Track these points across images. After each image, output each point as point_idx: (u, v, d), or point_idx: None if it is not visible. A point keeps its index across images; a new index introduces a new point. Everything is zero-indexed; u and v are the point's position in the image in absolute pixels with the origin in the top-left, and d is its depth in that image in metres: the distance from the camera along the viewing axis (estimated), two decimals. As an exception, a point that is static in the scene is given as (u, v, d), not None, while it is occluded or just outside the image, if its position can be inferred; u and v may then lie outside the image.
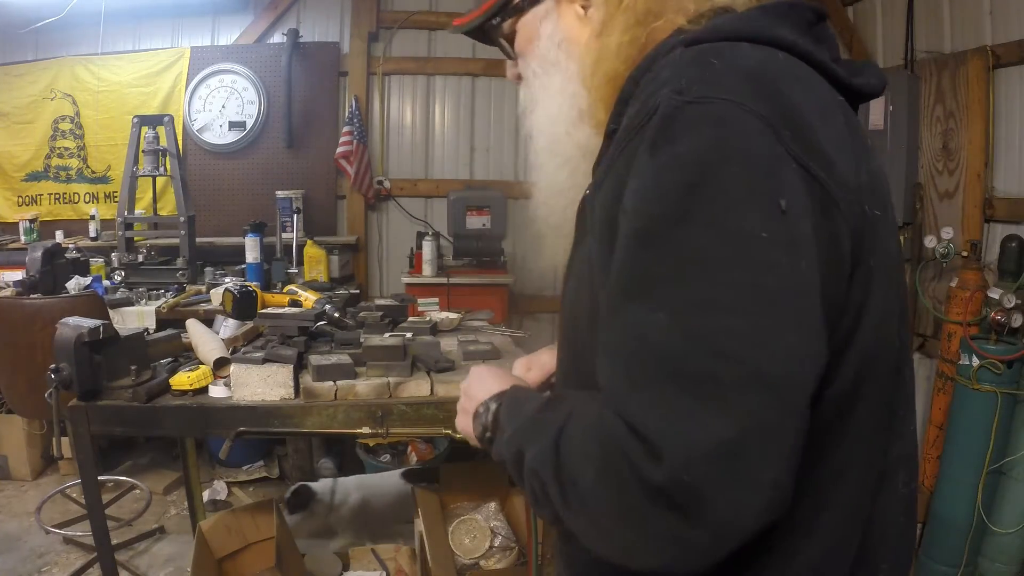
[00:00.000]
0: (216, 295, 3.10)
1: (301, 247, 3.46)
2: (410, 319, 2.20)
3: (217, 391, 1.71)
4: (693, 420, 0.55)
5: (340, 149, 3.71)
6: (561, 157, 0.89)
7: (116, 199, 3.73)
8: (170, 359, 1.88)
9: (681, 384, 0.56)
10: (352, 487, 2.90)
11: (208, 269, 3.57)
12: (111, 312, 2.70)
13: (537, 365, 1.10)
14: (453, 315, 2.32)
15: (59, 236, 3.84)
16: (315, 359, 1.71)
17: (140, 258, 3.48)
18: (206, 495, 3.21)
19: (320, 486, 2.89)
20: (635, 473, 0.55)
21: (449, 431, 1.64)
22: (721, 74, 0.64)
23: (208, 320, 2.47)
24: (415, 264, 3.52)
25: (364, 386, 1.65)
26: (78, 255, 2.85)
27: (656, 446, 0.55)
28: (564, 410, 0.68)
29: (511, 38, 0.90)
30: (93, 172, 4.09)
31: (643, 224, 0.62)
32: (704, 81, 0.63)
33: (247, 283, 2.32)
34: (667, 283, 0.59)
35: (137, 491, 3.29)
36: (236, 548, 2.28)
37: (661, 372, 0.57)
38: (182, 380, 1.72)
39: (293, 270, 3.37)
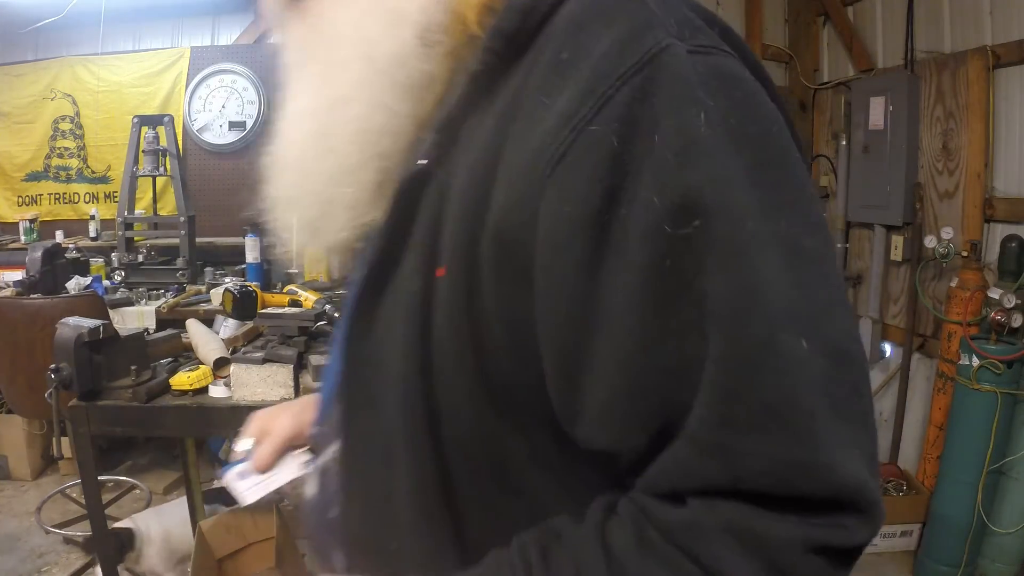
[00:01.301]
0: (216, 295, 3.10)
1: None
2: (410, 319, 2.19)
3: (217, 391, 1.71)
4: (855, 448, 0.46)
5: (340, 149, 3.70)
6: (363, 102, 0.58)
7: (116, 199, 3.72)
8: (170, 359, 1.89)
9: (837, 410, 0.45)
10: (152, 520, 2.62)
11: (208, 269, 3.57)
12: (111, 312, 2.70)
13: (274, 431, 0.82)
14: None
15: (59, 236, 3.84)
16: (315, 359, 1.71)
17: (140, 258, 3.48)
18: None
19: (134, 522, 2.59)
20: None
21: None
22: (692, 13, 0.52)
23: (208, 320, 2.47)
24: (415, 264, 3.51)
25: (364, 386, 1.65)
26: (78, 255, 2.85)
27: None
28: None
29: None
30: (93, 172, 4.09)
31: (734, 226, 0.45)
32: (689, 24, 0.50)
33: (247, 283, 2.32)
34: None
35: (137, 491, 3.29)
36: (236, 548, 2.28)
37: (815, 402, 0.45)
38: (182, 380, 1.72)
39: (293, 270, 3.37)
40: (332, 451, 0.65)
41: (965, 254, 2.79)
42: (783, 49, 4.27)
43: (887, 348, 3.52)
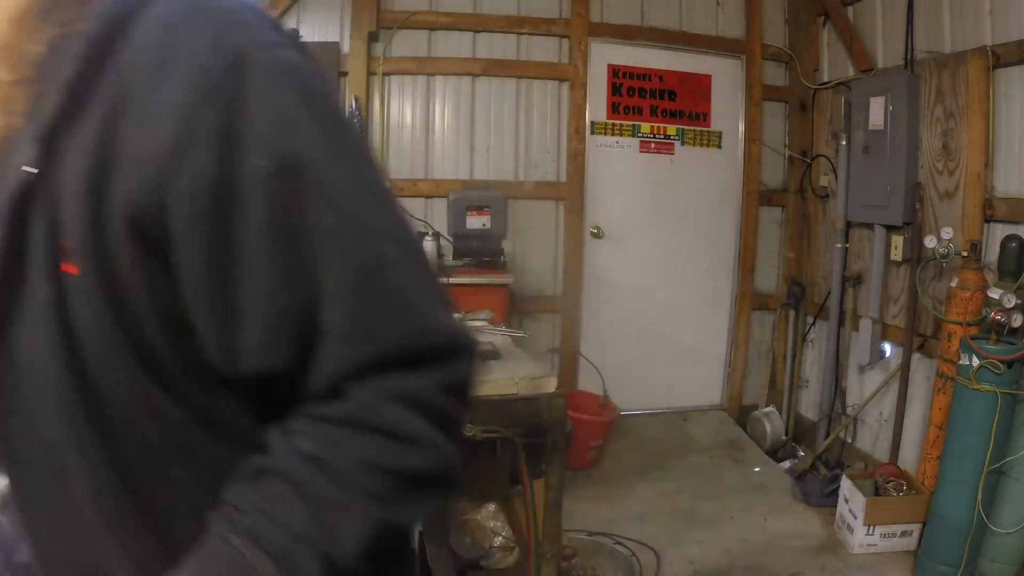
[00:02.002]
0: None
1: (301, 247, 3.47)
2: (410, 319, 2.20)
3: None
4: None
5: (340, 149, 3.71)
6: None
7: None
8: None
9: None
10: None
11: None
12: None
13: None
14: (453, 315, 2.31)
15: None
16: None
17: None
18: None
19: None
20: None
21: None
22: (262, 15, 0.64)
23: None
24: (415, 264, 3.52)
25: (364, 386, 1.65)
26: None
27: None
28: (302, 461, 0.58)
29: None
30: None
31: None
32: (264, 24, 0.63)
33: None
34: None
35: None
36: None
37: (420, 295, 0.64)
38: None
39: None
40: (1, 487, 0.63)
41: (965, 254, 2.79)
42: (783, 49, 4.27)
43: (887, 348, 3.52)
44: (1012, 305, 2.49)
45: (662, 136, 4.22)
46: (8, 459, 0.62)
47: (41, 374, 0.59)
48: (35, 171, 0.56)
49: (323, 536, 0.58)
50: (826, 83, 4.05)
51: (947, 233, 2.89)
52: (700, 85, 4.23)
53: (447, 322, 0.64)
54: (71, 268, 0.57)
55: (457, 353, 0.64)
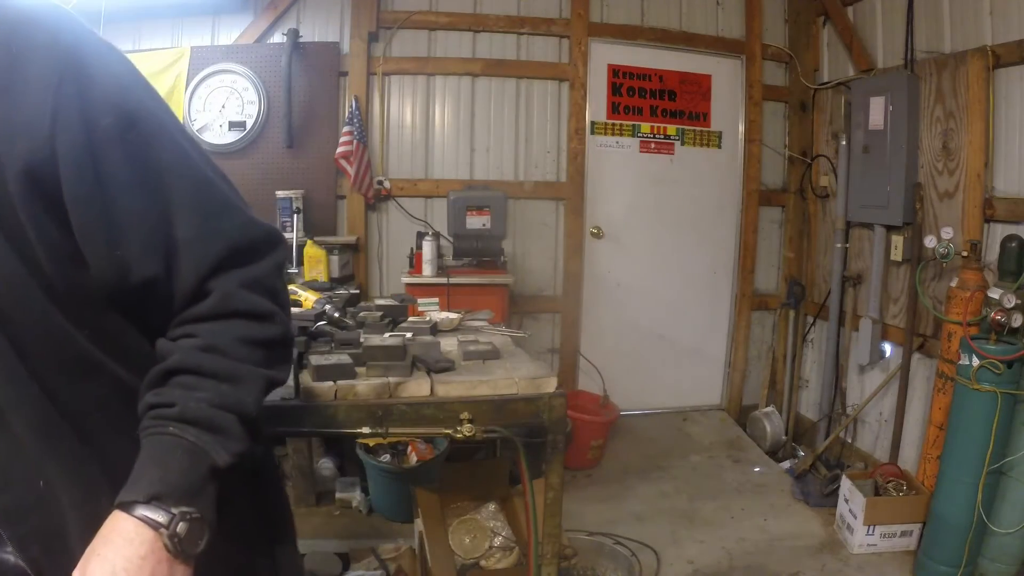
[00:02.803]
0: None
1: (301, 247, 3.46)
2: (410, 319, 2.20)
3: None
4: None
5: (340, 149, 3.70)
6: None
7: (116, 199, 3.72)
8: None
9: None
10: None
11: (208, 269, 3.57)
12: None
13: None
14: (453, 315, 2.32)
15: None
16: (315, 359, 1.71)
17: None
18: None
19: None
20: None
21: (449, 431, 1.64)
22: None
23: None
24: (415, 264, 3.52)
25: (364, 386, 1.65)
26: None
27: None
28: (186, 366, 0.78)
29: None
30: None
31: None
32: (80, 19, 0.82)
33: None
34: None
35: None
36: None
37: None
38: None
39: (293, 270, 3.37)
40: None
41: (965, 254, 2.79)
42: (783, 49, 4.27)
43: (887, 348, 3.52)
44: (1012, 305, 2.49)
45: (662, 136, 4.22)
46: None
47: (25, 325, 0.70)
48: None
49: (232, 400, 0.79)
50: (826, 83, 4.05)
51: (947, 233, 2.88)
52: (700, 85, 4.23)
53: (262, 220, 0.87)
54: None
55: (277, 242, 0.88)
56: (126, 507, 0.72)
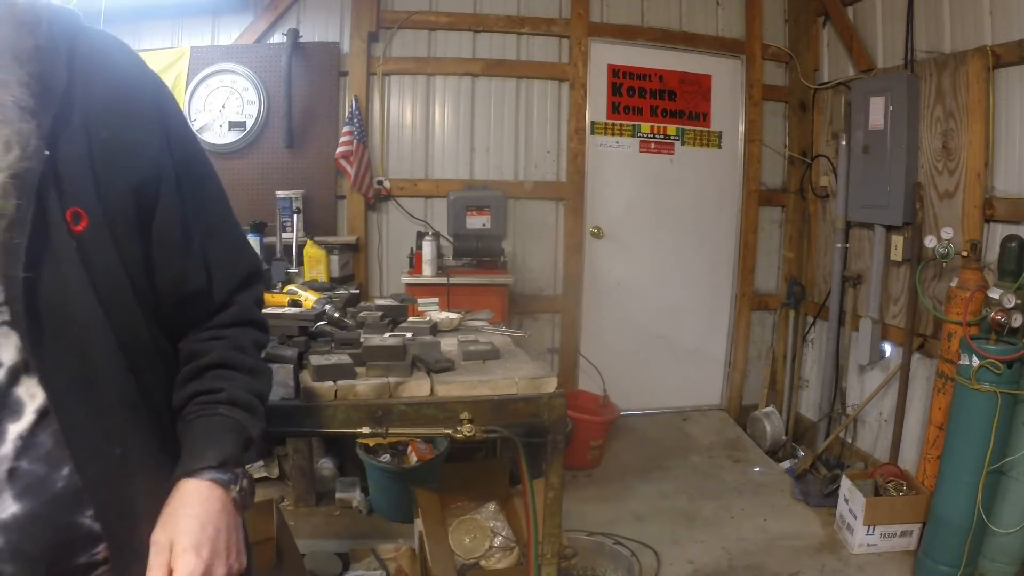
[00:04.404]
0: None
1: (301, 247, 3.46)
2: (410, 319, 2.20)
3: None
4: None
5: (340, 149, 3.70)
6: None
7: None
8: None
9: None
10: None
11: (208, 269, 3.56)
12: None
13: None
14: (453, 315, 2.32)
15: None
16: (315, 359, 1.71)
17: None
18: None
19: None
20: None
21: (449, 431, 1.64)
22: None
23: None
24: (415, 264, 3.52)
25: (364, 386, 1.65)
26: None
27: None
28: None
29: None
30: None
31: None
32: None
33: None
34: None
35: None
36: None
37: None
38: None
39: (293, 270, 3.37)
40: (23, 428, 0.77)
41: (965, 254, 2.79)
42: (783, 49, 4.27)
43: (887, 348, 3.52)
44: (1012, 305, 2.49)
45: (662, 136, 4.22)
46: (48, 379, 0.76)
47: (78, 309, 0.79)
48: (47, 152, 0.77)
49: (257, 389, 0.98)
50: (826, 83, 4.05)
51: (947, 233, 2.88)
52: (700, 85, 4.23)
53: (257, 257, 1.09)
54: (80, 227, 0.79)
55: (263, 271, 1.11)
56: (196, 473, 0.86)
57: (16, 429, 0.76)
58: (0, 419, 0.75)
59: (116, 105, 0.85)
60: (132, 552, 0.83)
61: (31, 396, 0.77)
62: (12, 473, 0.75)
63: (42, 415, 0.77)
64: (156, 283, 0.90)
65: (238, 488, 0.89)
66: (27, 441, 0.76)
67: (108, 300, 0.82)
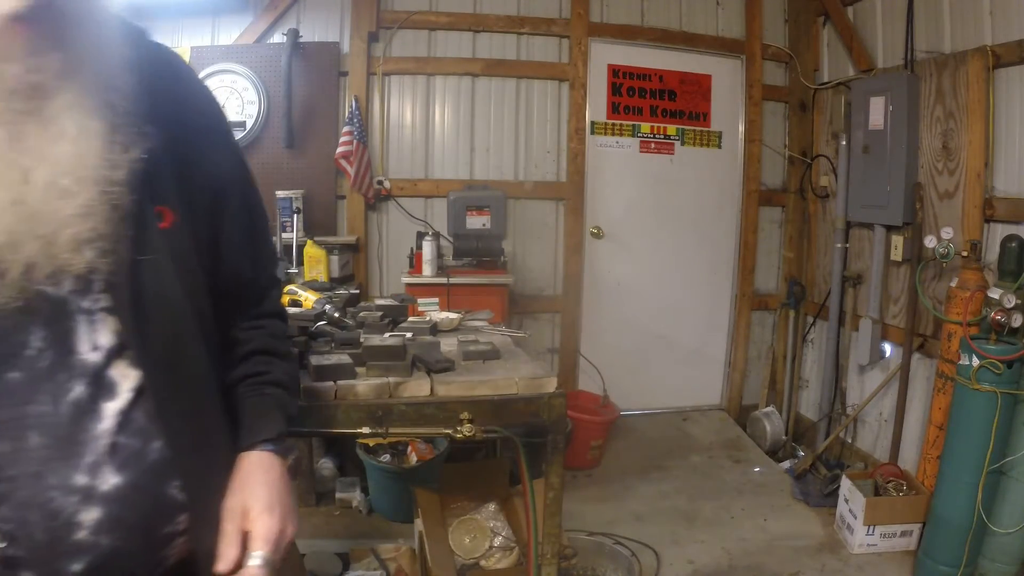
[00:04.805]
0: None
1: (301, 247, 3.46)
2: (410, 319, 2.20)
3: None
4: None
5: (340, 149, 3.70)
6: None
7: (116, 199, 3.72)
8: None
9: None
10: None
11: (208, 269, 3.57)
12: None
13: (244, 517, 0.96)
14: (453, 315, 2.32)
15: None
16: (315, 359, 1.71)
17: (140, 258, 3.48)
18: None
19: None
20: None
21: (449, 431, 1.64)
22: None
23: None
24: (415, 264, 3.52)
25: (364, 386, 1.65)
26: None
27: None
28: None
29: None
30: (93, 172, 4.09)
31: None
32: None
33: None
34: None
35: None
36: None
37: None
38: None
39: (293, 270, 3.37)
40: (121, 406, 0.82)
41: (965, 254, 2.79)
42: (783, 49, 4.27)
43: (887, 348, 3.52)
44: (1012, 305, 2.49)
45: (662, 136, 4.22)
46: (143, 360, 0.84)
47: (170, 297, 0.87)
48: (145, 156, 0.83)
49: (293, 372, 1.11)
50: (826, 83, 4.05)
51: (947, 233, 2.88)
52: (700, 85, 4.23)
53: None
54: (166, 224, 0.88)
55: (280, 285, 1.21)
56: (257, 446, 0.98)
57: (114, 407, 0.81)
58: (97, 398, 0.80)
59: (194, 117, 0.95)
60: (208, 521, 0.89)
61: (124, 376, 0.83)
62: (113, 448, 0.80)
63: (138, 393, 0.83)
64: (217, 277, 1.00)
65: (292, 457, 1.02)
66: (125, 417, 0.82)
67: (190, 290, 0.91)
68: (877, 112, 3.40)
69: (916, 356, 3.28)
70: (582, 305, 4.20)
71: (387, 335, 1.92)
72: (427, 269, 3.44)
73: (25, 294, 0.75)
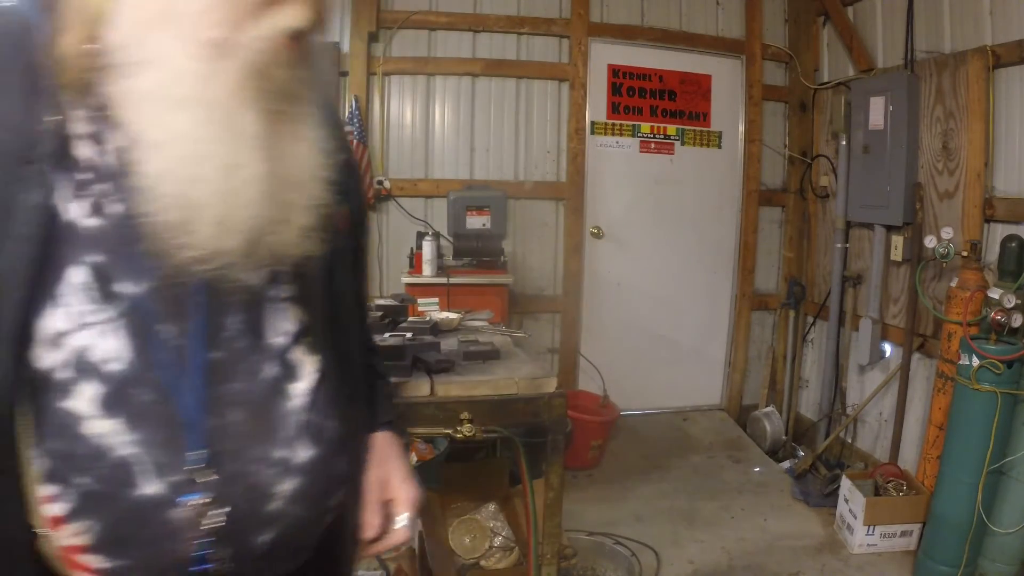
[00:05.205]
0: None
1: (301, 247, 3.46)
2: (410, 319, 2.20)
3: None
4: None
5: (340, 149, 3.70)
6: None
7: (116, 199, 3.72)
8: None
9: None
10: None
11: (208, 269, 3.57)
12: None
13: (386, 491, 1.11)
14: (453, 315, 2.32)
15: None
16: (315, 359, 1.71)
17: (140, 258, 3.48)
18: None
19: None
20: None
21: (449, 431, 1.64)
22: None
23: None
24: (415, 264, 3.52)
25: (364, 386, 1.65)
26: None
27: None
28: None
29: None
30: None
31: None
32: None
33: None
34: None
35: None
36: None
37: None
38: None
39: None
40: (308, 386, 0.88)
41: (965, 254, 2.79)
42: (783, 49, 4.27)
43: (887, 348, 3.52)
44: (1012, 305, 2.49)
45: (662, 136, 4.22)
46: (321, 346, 0.91)
47: (344, 293, 0.99)
48: (339, 167, 0.91)
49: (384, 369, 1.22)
50: (826, 83, 4.05)
51: (947, 233, 2.88)
52: (700, 85, 4.24)
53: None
54: (344, 227, 0.96)
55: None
56: (383, 427, 1.09)
57: (301, 387, 0.89)
58: (286, 378, 0.87)
59: (348, 147, 1.06)
60: (357, 493, 1.01)
61: (306, 360, 0.90)
62: (307, 424, 0.88)
63: (319, 375, 0.91)
64: None
65: (407, 438, 1.16)
66: (312, 397, 0.90)
67: (355, 289, 1.05)
68: (877, 112, 3.40)
69: (916, 356, 3.28)
70: (582, 305, 4.20)
71: (387, 335, 1.92)
72: (427, 269, 3.44)
73: (233, 279, 0.82)
